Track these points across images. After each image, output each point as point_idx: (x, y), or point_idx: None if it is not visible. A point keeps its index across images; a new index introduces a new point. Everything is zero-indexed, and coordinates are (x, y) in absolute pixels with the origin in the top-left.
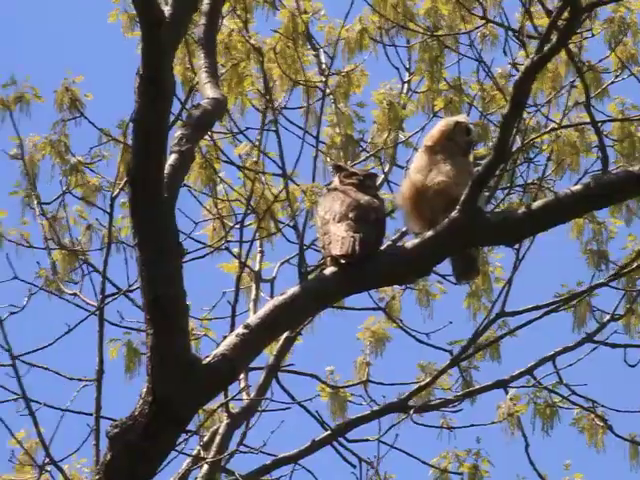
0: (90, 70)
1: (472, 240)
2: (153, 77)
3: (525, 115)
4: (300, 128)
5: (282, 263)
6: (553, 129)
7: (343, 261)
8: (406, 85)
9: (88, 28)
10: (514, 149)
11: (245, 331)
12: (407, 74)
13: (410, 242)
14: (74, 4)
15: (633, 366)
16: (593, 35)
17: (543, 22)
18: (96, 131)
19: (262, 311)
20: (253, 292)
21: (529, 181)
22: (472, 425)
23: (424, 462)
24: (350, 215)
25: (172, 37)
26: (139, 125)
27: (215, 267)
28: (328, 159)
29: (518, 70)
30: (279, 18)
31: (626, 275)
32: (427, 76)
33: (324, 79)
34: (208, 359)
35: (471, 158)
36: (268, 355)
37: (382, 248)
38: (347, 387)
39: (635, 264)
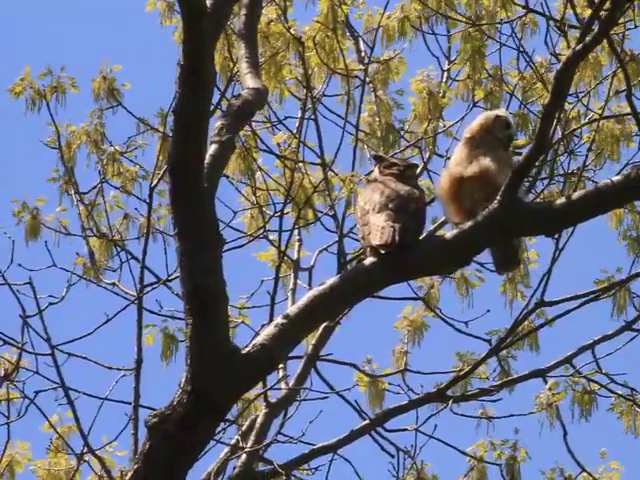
0: (128, 59)
1: (512, 230)
2: (194, 67)
3: (566, 105)
4: (339, 117)
5: (320, 251)
6: (594, 120)
7: (383, 251)
8: (445, 74)
9: (125, 16)
10: (554, 140)
11: (284, 321)
12: (447, 63)
13: (450, 232)
14: None
15: None
16: (636, 26)
17: (585, 11)
18: (134, 121)
19: (301, 301)
20: (291, 281)
21: (569, 172)
22: (511, 415)
23: (460, 451)
24: (390, 205)
25: (213, 27)
26: (180, 115)
27: (252, 255)
28: (367, 148)
29: (559, 60)
30: (319, 7)
31: None
32: (469, 65)
33: (363, 67)
34: (247, 349)
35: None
36: (307, 344)
37: (422, 238)
38: (385, 376)
39: None
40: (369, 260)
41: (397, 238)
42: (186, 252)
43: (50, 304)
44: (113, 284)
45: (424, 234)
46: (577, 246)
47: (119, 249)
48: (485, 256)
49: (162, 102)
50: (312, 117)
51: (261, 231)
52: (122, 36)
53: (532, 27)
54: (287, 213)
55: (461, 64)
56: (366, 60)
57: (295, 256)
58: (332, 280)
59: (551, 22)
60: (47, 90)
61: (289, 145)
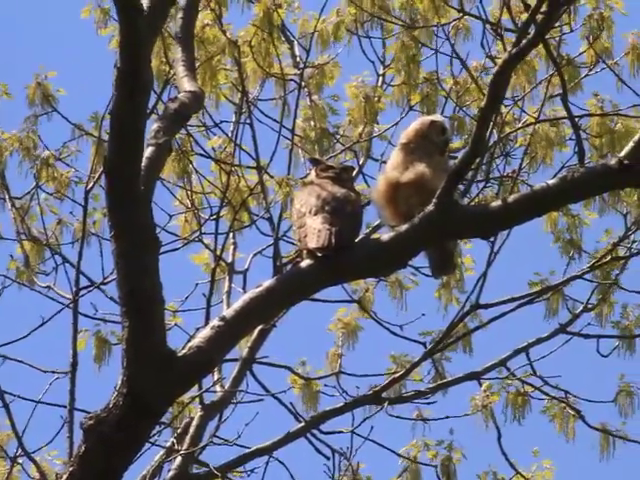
0: (63, 67)
1: (448, 233)
2: (131, 69)
3: (502, 109)
4: (274, 121)
5: (255, 255)
6: (530, 123)
7: (319, 254)
8: (381, 78)
9: (61, 24)
10: (490, 143)
11: (221, 323)
12: (382, 67)
13: (386, 235)
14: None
15: (606, 356)
16: (572, 30)
17: (521, 16)
18: (69, 127)
19: (237, 303)
20: (226, 284)
21: (504, 175)
22: (447, 417)
23: (394, 452)
24: (326, 208)
25: (150, 29)
26: (116, 117)
27: (187, 259)
28: (303, 152)
29: (495, 63)
30: (255, 11)
31: (600, 267)
32: (404, 72)
33: (298, 72)
34: (183, 351)
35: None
36: (242, 347)
37: (358, 241)
38: (319, 379)
39: (609, 257)
40: (305, 263)
41: (333, 241)
42: (122, 254)
43: None
44: (48, 287)
45: (360, 237)
46: (512, 249)
47: (53, 253)
48: (420, 260)
49: (97, 108)
50: (247, 121)
51: (196, 234)
52: (57, 44)
53: (465, 32)
54: (222, 216)
55: (396, 70)
56: (301, 65)
57: (230, 259)
58: (268, 282)
59: (487, 25)
60: None
61: (224, 149)
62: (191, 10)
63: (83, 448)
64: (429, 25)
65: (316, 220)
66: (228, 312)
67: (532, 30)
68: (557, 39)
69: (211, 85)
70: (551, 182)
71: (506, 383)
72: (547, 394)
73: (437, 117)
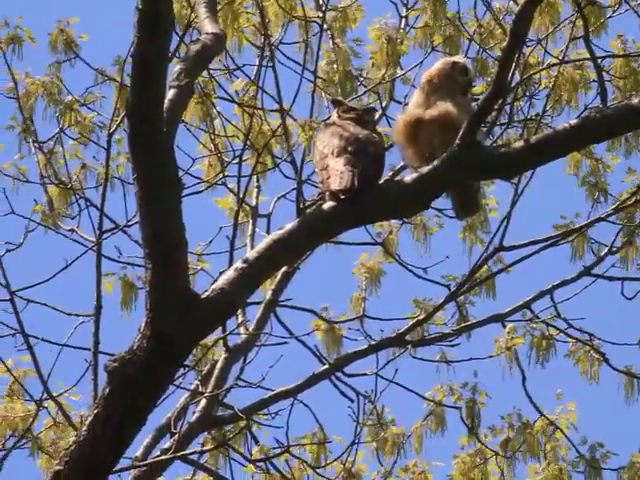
0: (85, 13)
1: (471, 173)
2: (152, 10)
3: (525, 50)
4: (297, 63)
5: (279, 198)
6: (553, 64)
7: (342, 195)
8: (403, 20)
9: None
10: (513, 84)
11: (244, 265)
12: (405, 9)
13: (409, 176)
14: None
15: (630, 299)
16: None
17: None
18: (92, 73)
19: (260, 246)
20: (250, 228)
21: (528, 117)
22: (470, 359)
23: (419, 395)
24: (349, 149)
25: None
26: (138, 59)
27: (210, 202)
28: (325, 95)
29: (517, 3)
30: None
31: (625, 209)
32: (430, 11)
33: (321, 14)
34: (207, 293)
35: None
36: (265, 290)
37: (381, 182)
38: (344, 322)
39: (634, 198)
40: (328, 205)
41: (356, 182)
42: (145, 196)
43: (8, 251)
44: (72, 230)
45: (383, 179)
46: (536, 192)
47: (77, 197)
48: (444, 202)
49: (120, 53)
50: (270, 65)
51: (219, 177)
52: None
53: None
54: (246, 160)
55: (422, 10)
56: (324, 7)
57: (254, 203)
58: (291, 225)
59: None
60: (4, 41)
61: (247, 91)
62: None
63: (107, 390)
64: None
65: (339, 161)
66: (251, 254)
67: None
68: None
69: (233, 28)
70: (573, 122)
71: (531, 327)
72: (571, 336)
73: (459, 58)
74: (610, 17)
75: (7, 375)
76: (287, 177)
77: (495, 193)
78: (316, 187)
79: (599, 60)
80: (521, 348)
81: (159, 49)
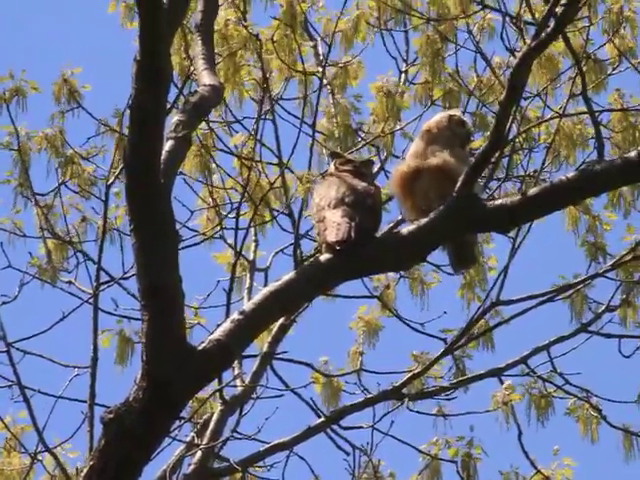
0: (89, 63)
1: (467, 226)
2: (150, 62)
3: (523, 104)
4: (297, 118)
5: (277, 252)
6: (551, 118)
7: (339, 247)
8: (403, 75)
9: (87, 20)
10: (511, 137)
11: (240, 317)
12: (404, 64)
13: (405, 228)
14: None
15: (628, 357)
16: (591, 24)
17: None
18: (94, 123)
19: (257, 297)
20: (247, 281)
21: (525, 173)
22: (468, 413)
23: (415, 448)
24: (346, 201)
25: (170, 23)
26: (136, 110)
27: (208, 256)
28: (325, 149)
29: (515, 56)
30: (277, 5)
31: (623, 266)
32: (429, 67)
33: (321, 70)
34: (203, 344)
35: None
36: (262, 343)
37: (378, 235)
38: (341, 376)
39: (631, 255)
40: (325, 256)
41: (353, 234)
42: (142, 247)
43: (4, 303)
44: (69, 282)
45: (380, 232)
46: (534, 249)
47: (75, 250)
48: (442, 258)
49: (122, 104)
50: (269, 118)
51: (217, 230)
52: (84, 39)
53: (490, 31)
54: (244, 214)
55: (421, 65)
56: (324, 62)
57: (251, 257)
58: (288, 276)
59: (507, 19)
60: (7, 94)
61: (245, 144)
62: (211, 3)
63: (103, 442)
64: (450, 18)
65: (336, 213)
66: (248, 305)
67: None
68: (579, 36)
69: (234, 81)
70: (570, 175)
71: (529, 385)
72: (569, 393)
73: (456, 111)
74: (610, 75)
75: (5, 431)
76: (285, 231)
77: (495, 251)
78: (314, 242)
79: (597, 114)
80: (519, 405)
81: (156, 99)
